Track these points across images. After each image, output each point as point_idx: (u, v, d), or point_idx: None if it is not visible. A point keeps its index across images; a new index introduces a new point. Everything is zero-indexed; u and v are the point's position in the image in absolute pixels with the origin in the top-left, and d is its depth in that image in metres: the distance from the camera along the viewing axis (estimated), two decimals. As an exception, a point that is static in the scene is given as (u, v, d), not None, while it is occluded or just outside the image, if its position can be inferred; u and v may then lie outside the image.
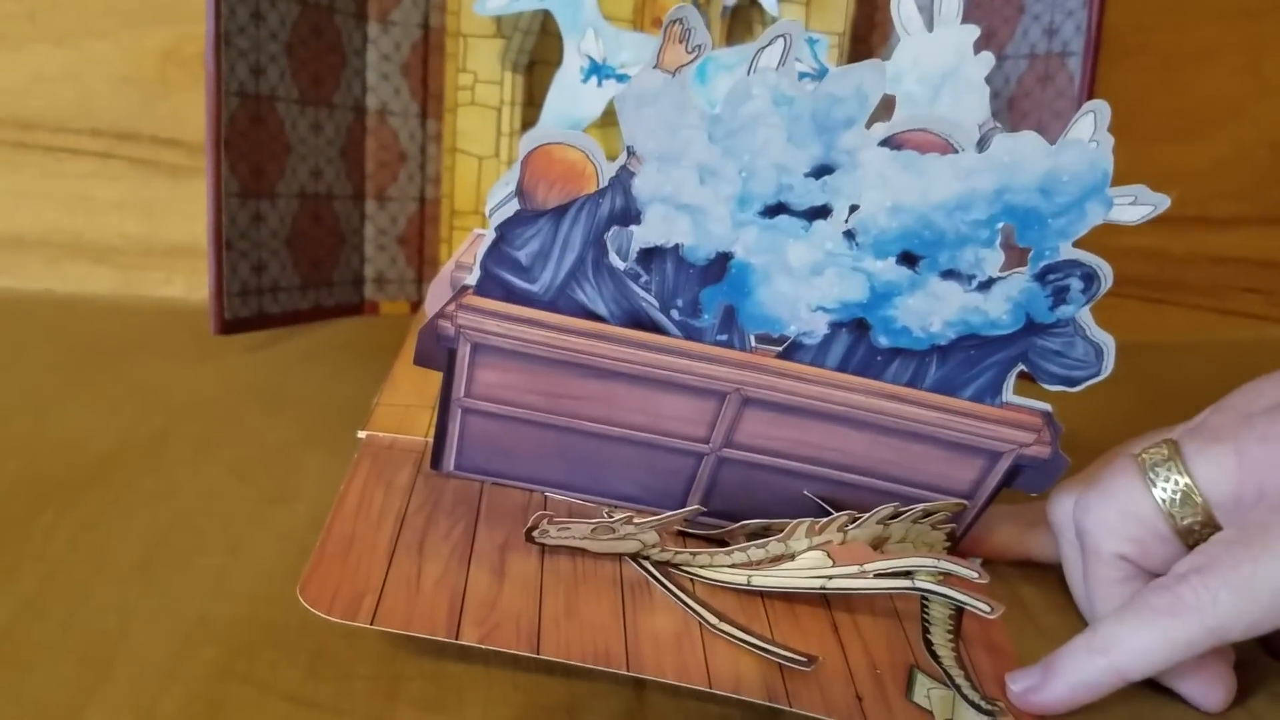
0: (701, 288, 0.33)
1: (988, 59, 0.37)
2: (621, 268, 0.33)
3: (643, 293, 0.33)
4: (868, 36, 0.66)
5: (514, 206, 0.32)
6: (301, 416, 0.51)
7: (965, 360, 0.33)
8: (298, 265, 0.60)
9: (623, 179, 0.31)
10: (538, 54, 0.62)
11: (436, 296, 0.42)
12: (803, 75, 0.52)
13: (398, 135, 0.64)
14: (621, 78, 0.53)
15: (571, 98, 0.53)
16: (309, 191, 0.60)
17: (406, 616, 0.31)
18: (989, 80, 0.60)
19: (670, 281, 0.33)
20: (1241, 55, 0.72)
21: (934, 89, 0.37)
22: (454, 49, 0.61)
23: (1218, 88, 0.72)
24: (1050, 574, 0.40)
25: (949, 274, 0.31)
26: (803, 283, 0.32)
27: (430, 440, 0.40)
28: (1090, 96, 0.54)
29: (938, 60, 0.38)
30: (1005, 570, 0.41)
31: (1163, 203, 0.31)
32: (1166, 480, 0.34)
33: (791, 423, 0.36)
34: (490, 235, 0.32)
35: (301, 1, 0.57)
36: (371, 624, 0.31)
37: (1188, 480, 0.33)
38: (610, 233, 0.32)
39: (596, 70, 0.53)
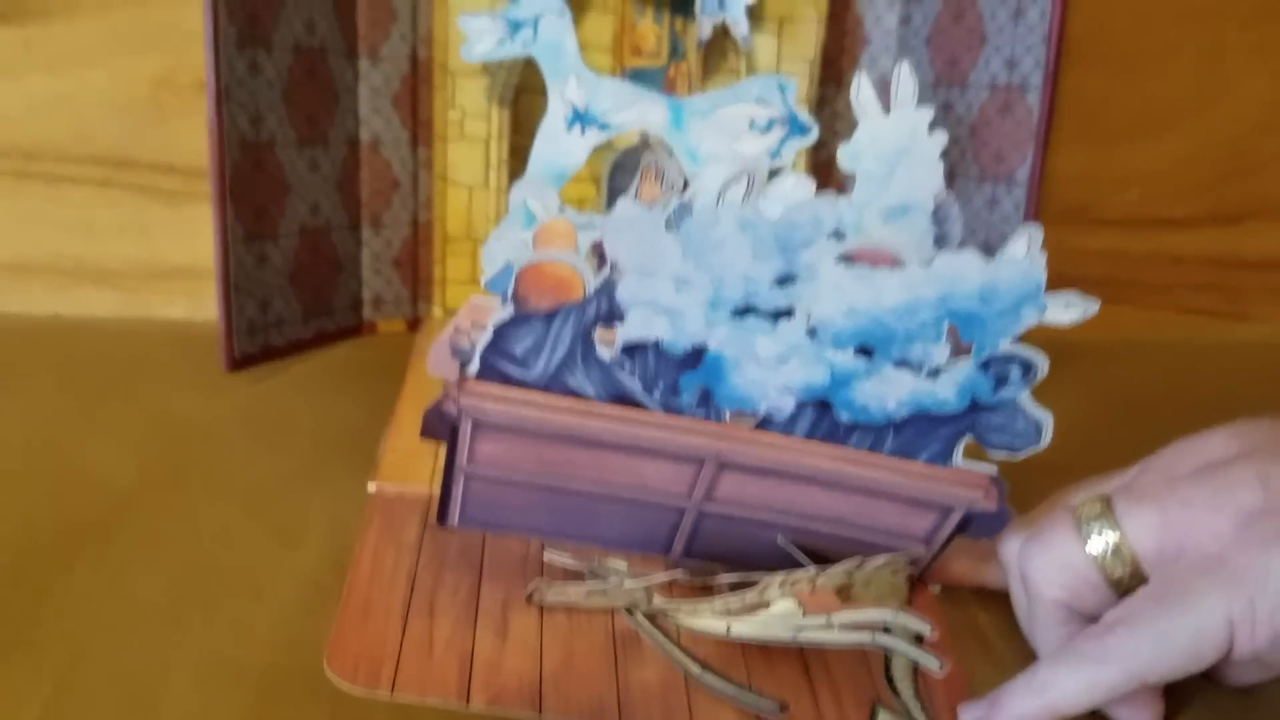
0: (680, 374, 0.36)
1: (941, 138, 0.40)
2: (607, 359, 0.36)
3: (627, 377, 0.36)
4: (837, 59, 0.68)
5: (510, 310, 0.35)
6: (308, 448, 0.54)
7: (919, 432, 0.37)
8: (300, 297, 0.64)
9: (607, 287, 0.35)
10: (523, 83, 0.64)
11: (438, 358, 0.45)
12: (771, 122, 0.55)
13: (390, 164, 0.67)
14: (604, 125, 0.56)
15: (557, 147, 0.55)
16: (309, 226, 0.63)
17: (421, 683, 0.35)
18: (954, 106, 0.63)
19: (651, 369, 0.36)
20: (1200, 55, 0.75)
21: (890, 165, 0.40)
22: (442, 84, 0.64)
23: (1176, 88, 0.75)
24: (1003, 600, 0.44)
25: (901, 363, 0.35)
26: (771, 370, 0.35)
27: (435, 492, 0.44)
28: (1048, 131, 0.57)
29: (894, 140, 0.40)
30: (963, 596, 0.45)
31: (1093, 307, 0.34)
32: (1099, 535, 0.37)
33: (764, 483, 0.39)
34: (489, 334, 0.36)
35: (295, 48, 0.59)
36: (391, 692, 0.34)
37: (1118, 536, 0.37)
38: (596, 329, 0.35)
39: (580, 118, 0.56)
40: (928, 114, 0.40)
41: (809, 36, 0.65)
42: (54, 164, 0.71)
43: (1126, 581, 0.37)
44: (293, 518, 0.48)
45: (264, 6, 0.58)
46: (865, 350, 0.35)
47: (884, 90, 0.40)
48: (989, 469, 0.38)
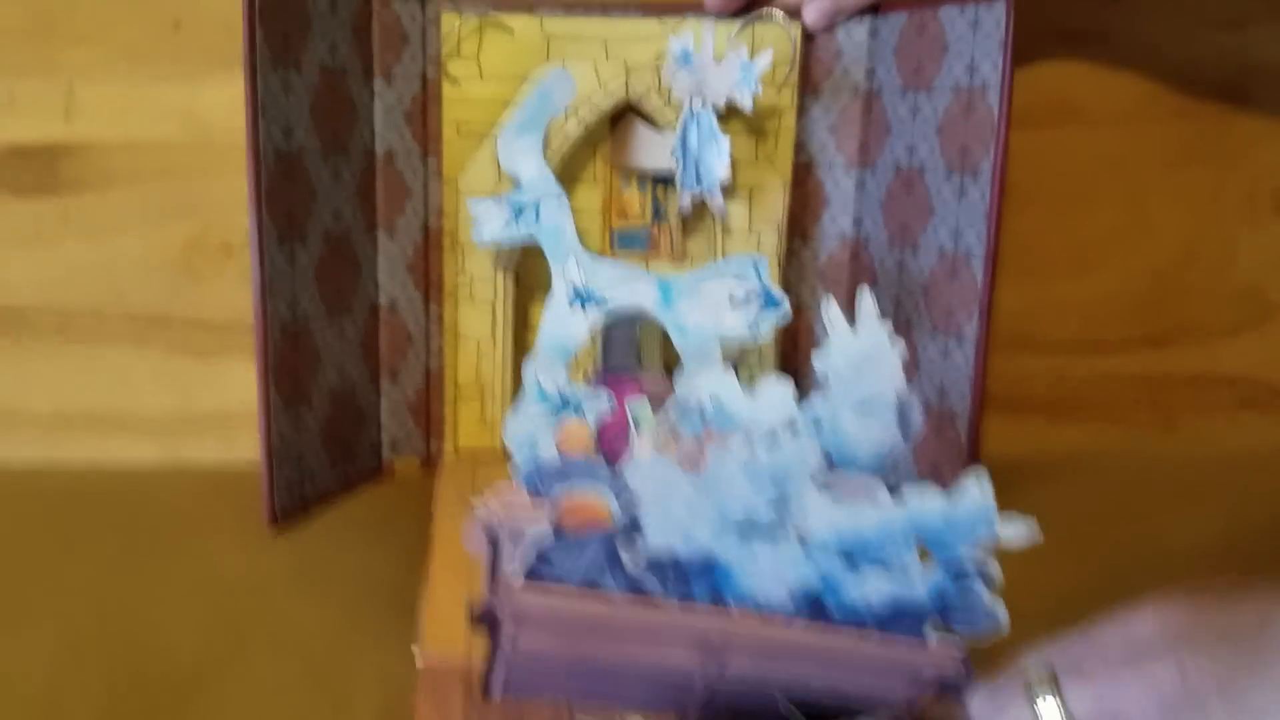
0: (693, 579, 0.44)
1: (900, 347, 0.48)
2: (633, 570, 0.43)
3: (649, 581, 0.44)
4: (802, 217, 0.76)
5: (549, 534, 0.42)
6: (350, 601, 0.61)
7: (897, 620, 0.44)
8: (329, 451, 0.70)
9: (629, 514, 0.42)
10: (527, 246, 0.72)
11: (471, 535, 0.52)
12: (750, 295, 0.63)
13: (405, 323, 0.74)
14: (602, 303, 0.63)
15: (561, 324, 0.63)
16: (337, 388, 0.70)
17: None
18: (907, 265, 0.71)
19: (669, 575, 0.44)
20: (1126, 198, 0.83)
21: (858, 368, 0.48)
22: (452, 252, 0.71)
23: (1106, 228, 0.83)
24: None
25: (878, 562, 0.43)
26: (770, 573, 0.43)
27: (475, 661, 0.51)
28: (990, 296, 0.65)
29: (859, 350, 0.48)
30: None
31: (1033, 531, 0.42)
32: (1045, 700, 0.45)
33: (767, 660, 0.47)
34: (531, 552, 0.43)
35: (321, 69, 0.66)
36: None
37: (1061, 705, 0.45)
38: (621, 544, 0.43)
39: (580, 296, 0.63)
40: (887, 326, 0.48)
41: (776, 202, 0.73)
42: (91, 322, 0.78)
43: None
44: (345, 679, 0.55)
45: (297, 203, 0.65)
46: (849, 558, 0.43)
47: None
48: (957, 644, 0.46)
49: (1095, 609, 0.47)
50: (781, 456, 0.41)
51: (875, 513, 0.41)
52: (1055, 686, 0.45)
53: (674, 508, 0.42)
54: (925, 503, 0.41)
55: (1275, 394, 0.87)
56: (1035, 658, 0.48)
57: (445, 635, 0.54)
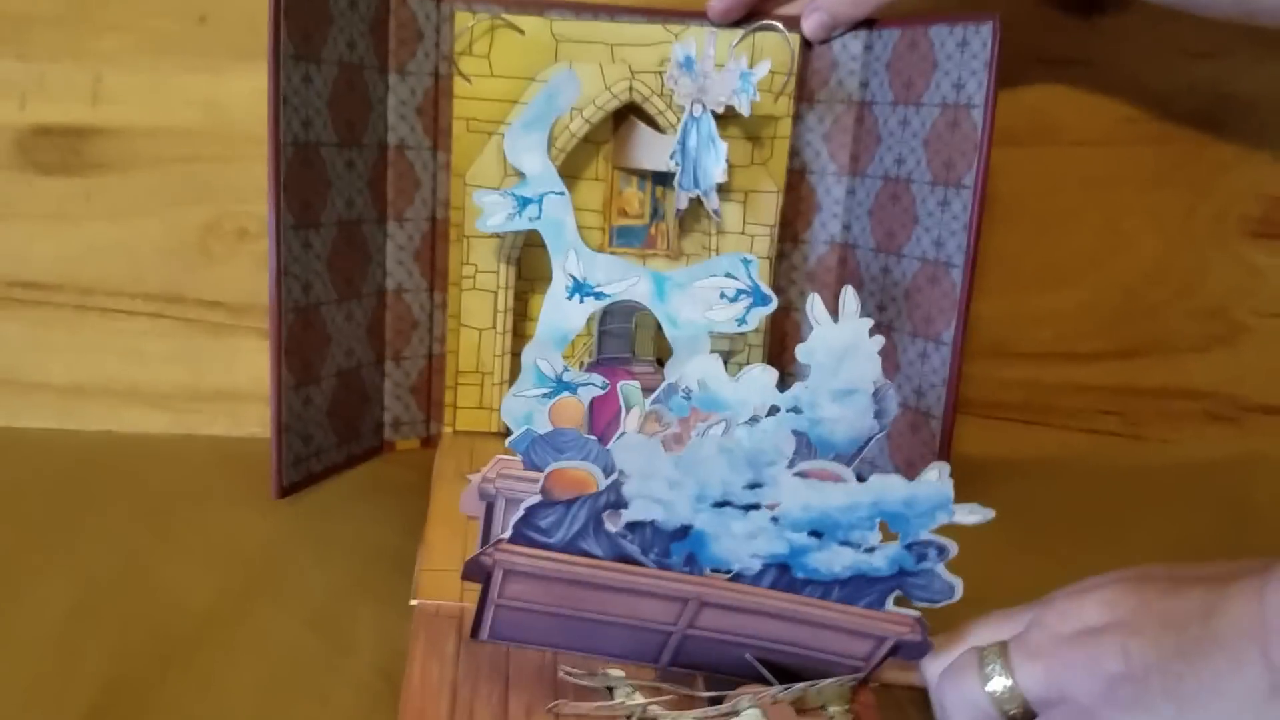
0: (670, 543, 0.47)
1: (879, 340, 0.51)
2: (614, 531, 0.47)
3: (629, 544, 0.48)
4: (794, 221, 0.80)
5: (538, 498, 0.46)
6: (351, 564, 0.65)
7: (858, 587, 0.48)
8: (335, 428, 0.74)
9: (615, 485, 0.46)
10: (526, 239, 0.75)
11: (469, 500, 0.56)
12: (739, 293, 0.67)
13: (411, 308, 0.78)
14: (599, 295, 0.67)
15: (560, 313, 0.66)
16: (344, 368, 0.73)
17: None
18: (891, 270, 0.75)
19: (649, 539, 0.47)
20: (1101, 217, 0.86)
21: (838, 360, 0.51)
22: (458, 242, 0.75)
23: (1081, 244, 0.87)
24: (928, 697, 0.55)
25: (844, 543, 0.46)
26: (742, 543, 0.47)
27: (465, 606, 0.54)
28: (968, 304, 0.69)
29: (841, 341, 0.52)
30: (898, 692, 0.55)
31: (989, 514, 0.45)
32: (998, 678, 0.48)
33: (736, 616, 0.50)
34: (520, 512, 0.47)
35: (339, 63, 0.69)
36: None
37: (1011, 681, 0.48)
38: (605, 512, 0.47)
39: (579, 289, 0.67)
40: (869, 323, 0.51)
41: (770, 205, 0.76)
42: (109, 299, 0.81)
43: (1019, 717, 0.48)
44: (346, 631, 0.58)
45: (313, 192, 0.69)
46: (816, 534, 0.46)
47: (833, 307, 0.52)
48: (915, 614, 0.50)
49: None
50: (759, 442, 0.44)
51: (842, 491, 0.45)
52: (1006, 663, 0.49)
53: (656, 484, 0.46)
54: (889, 482, 0.45)
55: (1239, 408, 0.91)
56: (990, 627, 0.51)
57: (439, 586, 0.58)
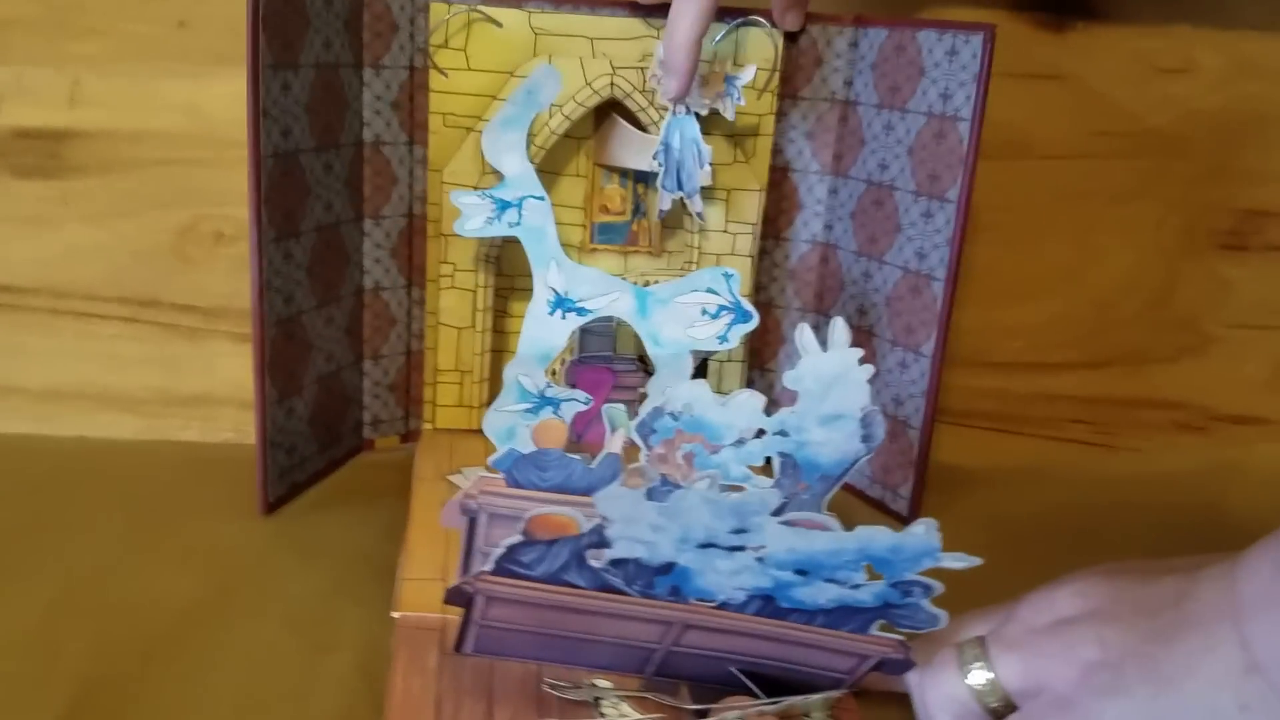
0: (655, 576, 0.48)
1: (868, 369, 0.51)
2: (597, 566, 0.47)
3: (612, 577, 0.48)
4: (776, 219, 0.80)
5: (520, 537, 0.47)
6: (331, 566, 0.65)
7: (843, 616, 0.49)
8: (317, 436, 0.74)
9: (598, 528, 0.46)
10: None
11: (450, 514, 0.56)
12: (721, 309, 0.67)
13: (389, 305, 0.78)
14: (581, 311, 0.66)
15: (542, 330, 0.65)
16: (325, 373, 0.73)
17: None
18: (873, 276, 0.75)
19: (632, 573, 0.48)
20: (1074, 230, 0.88)
21: (827, 387, 0.51)
22: (435, 239, 0.74)
23: (1054, 257, 0.88)
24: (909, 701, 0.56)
25: (830, 581, 0.47)
26: (727, 578, 0.47)
27: (446, 618, 0.54)
28: (949, 318, 0.70)
29: (829, 369, 0.52)
30: (880, 697, 0.56)
31: (976, 561, 0.46)
32: (977, 673, 0.49)
33: (721, 637, 0.51)
34: (503, 549, 0.47)
35: (315, 65, 0.68)
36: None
37: (991, 675, 0.49)
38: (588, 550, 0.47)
39: (561, 304, 0.66)
40: (858, 353, 0.51)
41: (752, 203, 0.75)
42: (85, 303, 0.81)
43: (1001, 710, 0.49)
44: (326, 632, 0.59)
45: (294, 201, 0.69)
46: (801, 572, 0.47)
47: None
48: (898, 638, 0.50)
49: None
50: (745, 498, 0.45)
51: (828, 537, 0.45)
52: (985, 657, 0.49)
53: (639, 528, 0.46)
54: (875, 532, 0.45)
55: (1209, 418, 0.92)
56: (967, 627, 0.52)
57: (421, 597, 0.58)
